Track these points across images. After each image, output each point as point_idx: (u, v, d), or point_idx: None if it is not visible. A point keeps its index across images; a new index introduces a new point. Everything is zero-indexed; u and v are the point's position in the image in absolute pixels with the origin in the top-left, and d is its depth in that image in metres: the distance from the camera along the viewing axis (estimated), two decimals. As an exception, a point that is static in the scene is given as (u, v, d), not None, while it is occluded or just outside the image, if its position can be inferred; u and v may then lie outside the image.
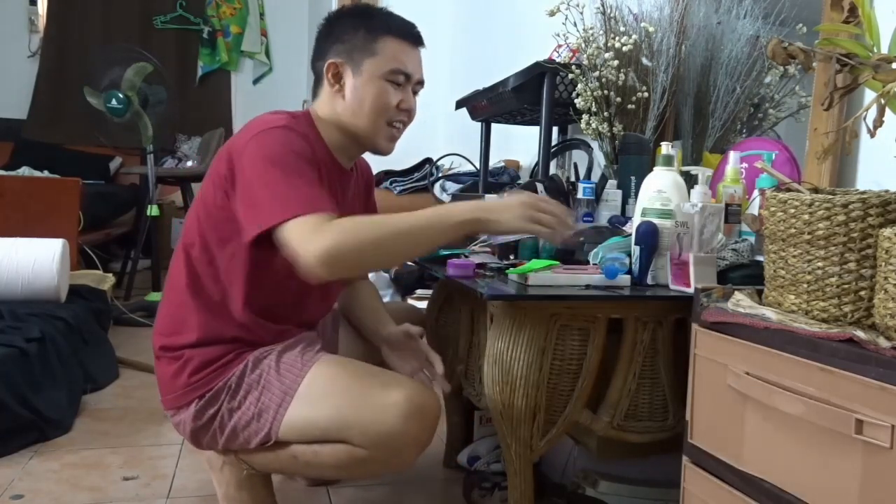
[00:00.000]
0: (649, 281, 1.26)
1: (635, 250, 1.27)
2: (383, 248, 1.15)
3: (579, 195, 1.53)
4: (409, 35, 1.34)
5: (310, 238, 1.09)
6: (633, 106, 1.69)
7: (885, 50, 0.94)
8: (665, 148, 1.35)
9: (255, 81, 5.26)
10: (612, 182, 1.58)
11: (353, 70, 1.31)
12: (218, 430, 1.27)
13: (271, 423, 1.22)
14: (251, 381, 1.26)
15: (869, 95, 1.20)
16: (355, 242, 1.11)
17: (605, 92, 1.69)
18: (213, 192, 1.26)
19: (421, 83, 1.38)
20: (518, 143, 2.68)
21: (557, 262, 1.32)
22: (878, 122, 0.92)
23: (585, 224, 1.49)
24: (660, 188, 1.29)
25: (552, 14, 1.74)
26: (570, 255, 1.40)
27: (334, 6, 3.95)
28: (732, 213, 1.34)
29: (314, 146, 1.28)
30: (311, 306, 1.40)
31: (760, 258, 1.11)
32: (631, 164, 1.60)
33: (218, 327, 1.28)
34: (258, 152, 1.19)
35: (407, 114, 1.35)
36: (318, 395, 1.21)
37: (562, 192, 1.68)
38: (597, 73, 1.69)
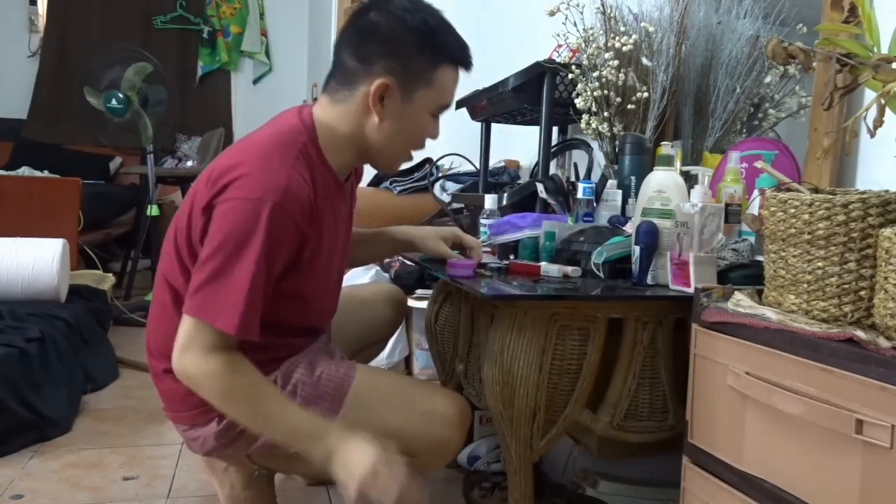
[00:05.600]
0: (649, 281, 1.26)
1: (635, 250, 1.27)
2: (224, 408, 1.13)
3: (579, 195, 1.53)
4: (466, 63, 1.22)
5: (187, 351, 1.08)
6: (633, 106, 1.69)
7: (885, 50, 0.94)
8: (665, 148, 1.34)
9: (255, 81, 5.26)
10: (612, 182, 1.58)
11: (402, 96, 1.16)
12: (244, 443, 1.23)
13: None
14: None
15: (869, 95, 1.20)
16: (214, 392, 1.11)
17: (605, 92, 1.69)
18: (197, 231, 1.16)
19: None
20: (518, 143, 2.68)
21: None
22: (878, 122, 0.92)
23: (586, 224, 1.49)
24: (660, 188, 1.29)
25: (552, 14, 1.74)
26: (572, 255, 1.40)
27: (335, 6, 3.94)
28: (732, 213, 1.34)
29: (315, 178, 1.16)
30: (324, 315, 1.39)
31: (760, 258, 1.11)
32: (631, 164, 1.60)
33: None
34: (235, 229, 1.07)
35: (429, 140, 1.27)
36: (364, 407, 1.22)
37: (562, 192, 1.68)
38: (597, 73, 1.69)
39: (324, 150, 1.21)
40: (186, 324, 1.10)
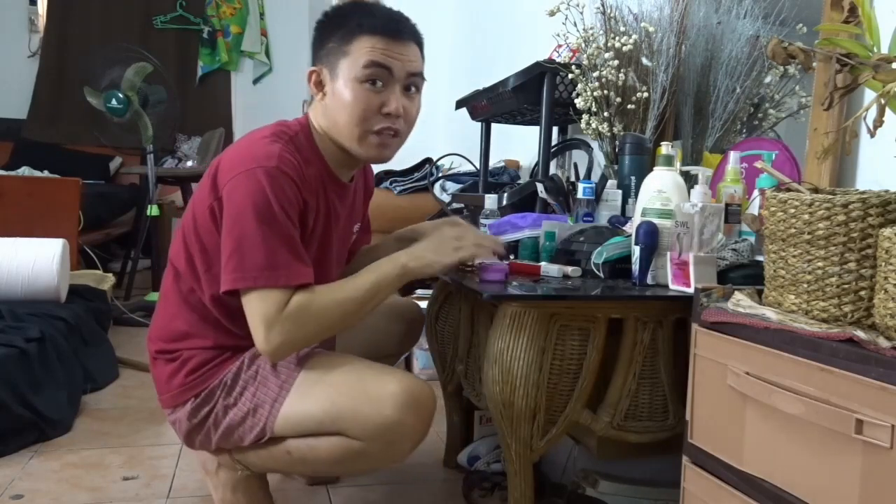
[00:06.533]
0: (649, 281, 1.26)
1: (635, 250, 1.27)
2: (334, 327, 1.25)
3: (579, 195, 1.53)
4: (385, 29, 1.22)
5: (265, 331, 1.15)
6: (633, 106, 1.69)
7: (885, 50, 0.94)
8: (665, 148, 1.34)
9: (255, 81, 5.25)
10: (612, 182, 1.58)
11: (330, 75, 1.25)
12: (212, 427, 1.28)
13: (266, 417, 1.23)
14: (247, 378, 1.26)
15: (869, 95, 1.20)
16: (305, 335, 1.19)
17: (605, 92, 1.69)
18: (202, 216, 1.24)
19: (415, 76, 1.26)
20: (518, 143, 2.68)
21: None
22: (878, 122, 0.92)
23: (586, 224, 1.49)
24: (660, 188, 1.29)
25: (552, 14, 1.74)
26: (572, 255, 1.40)
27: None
28: (732, 213, 1.34)
29: (309, 167, 1.24)
30: None
31: (760, 258, 1.11)
32: (631, 164, 1.60)
33: (215, 336, 1.29)
34: (245, 198, 1.15)
35: (392, 117, 1.24)
36: (314, 387, 1.22)
37: (562, 192, 1.68)
38: (597, 73, 1.69)
39: (318, 145, 1.30)
40: (245, 305, 1.16)
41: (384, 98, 1.23)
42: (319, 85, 1.28)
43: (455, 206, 2.46)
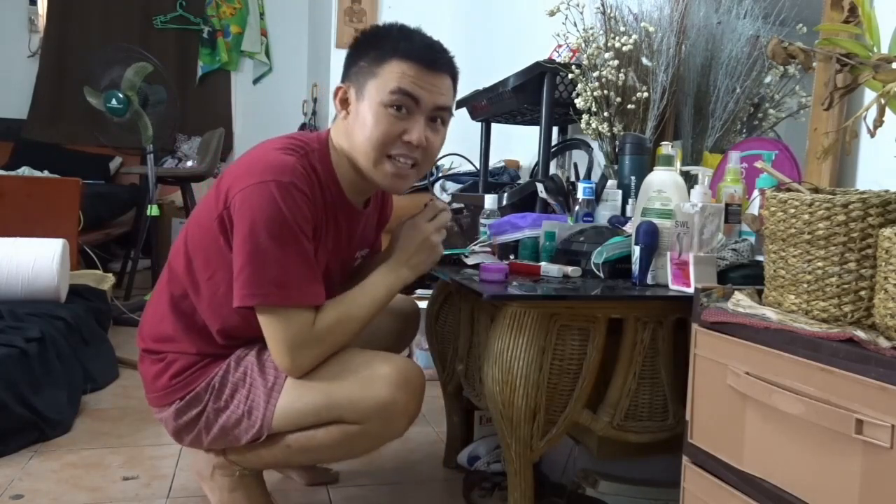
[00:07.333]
0: (649, 281, 1.26)
1: (635, 250, 1.27)
2: (351, 341, 1.25)
3: (579, 195, 1.53)
4: (419, 56, 1.19)
5: (291, 352, 1.18)
6: (633, 106, 1.69)
7: (885, 50, 0.94)
8: (665, 148, 1.35)
9: (255, 81, 5.25)
10: (612, 182, 1.58)
11: (357, 94, 1.22)
12: (203, 429, 1.28)
13: (262, 418, 1.24)
14: (236, 380, 1.27)
15: (869, 95, 1.20)
16: (327, 352, 1.22)
17: (605, 92, 1.69)
18: (209, 224, 1.22)
19: (442, 109, 1.23)
20: (518, 143, 2.68)
21: None
22: (878, 122, 0.92)
23: (586, 224, 1.49)
24: (660, 188, 1.30)
25: (552, 14, 1.75)
26: (572, 255, 1.40)
27: (334, 7, 3.94)
28: (732, 213, 1.34)
29: (322, 186, 1.22)
30: None
31: (760, 258, 1.11)
32: (631, 164, 1.60)
33: (198, 345, 1.29)
34: (258, 212, 1.13)
35: (411, 146, 1.20)
36: (306, 381, 1.22)
37: (562, 192, 1.68)
38: (597, 73, 1.69)
39: (334, 165, 1.27)
40: (272, 325, 1.17)
41: (407, 126, 1.20)
42: (345, 103, 1.24)
43: (455, 206, 2.46)
